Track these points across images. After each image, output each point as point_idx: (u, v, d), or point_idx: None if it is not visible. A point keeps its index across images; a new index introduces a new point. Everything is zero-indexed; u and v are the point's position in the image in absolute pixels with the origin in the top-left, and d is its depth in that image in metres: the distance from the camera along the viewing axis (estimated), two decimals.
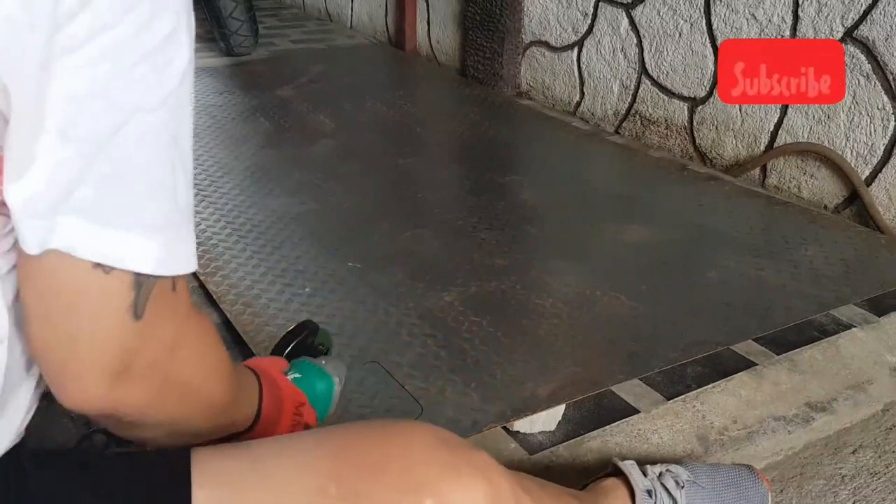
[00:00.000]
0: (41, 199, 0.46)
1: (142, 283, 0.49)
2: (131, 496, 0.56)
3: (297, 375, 0.91)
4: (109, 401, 0.51)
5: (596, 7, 2.28)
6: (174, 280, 0.52)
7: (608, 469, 0.95)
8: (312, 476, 0.58)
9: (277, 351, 0.99)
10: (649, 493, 0.89)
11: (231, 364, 0.64)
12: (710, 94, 2.01)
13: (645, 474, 0.91)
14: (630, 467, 0.91)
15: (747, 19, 1.87)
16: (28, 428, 0.57)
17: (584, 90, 2.39)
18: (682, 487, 0.91)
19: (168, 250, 0.50)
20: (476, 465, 0.61)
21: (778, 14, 1.80)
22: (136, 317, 0.50)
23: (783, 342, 1.27)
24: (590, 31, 2.32)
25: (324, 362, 0.96)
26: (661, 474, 0.92)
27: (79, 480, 0.56)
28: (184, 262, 0.52)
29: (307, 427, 0.85)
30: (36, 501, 0.54)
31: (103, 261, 0.48)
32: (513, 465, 1.01)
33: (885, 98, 1.64)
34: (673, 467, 0.93)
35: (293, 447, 0.62)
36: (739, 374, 1.20)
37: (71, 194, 0.46)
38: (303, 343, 1.01)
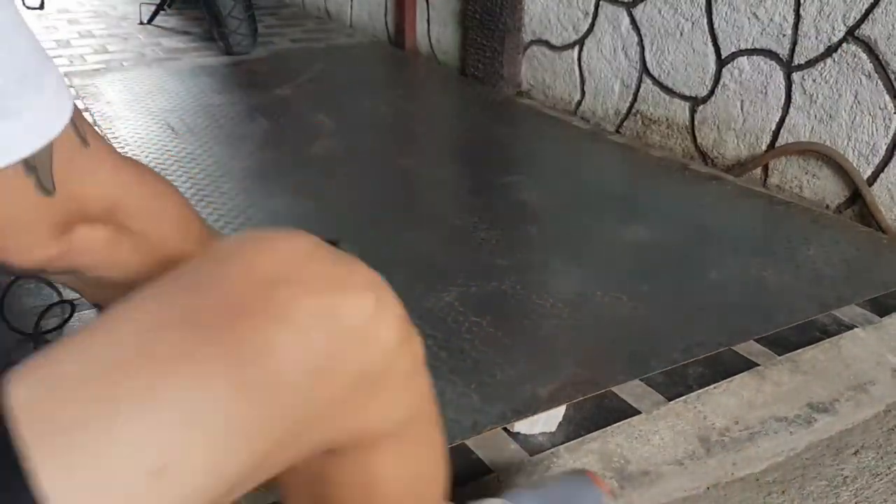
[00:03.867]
0: None
1: (33, 165, 0.44)
2: None
3: None
4: (57, 256, 0.50)
5: (597, 6, 2.27)
6: (74, 135, 0.47)
7: None
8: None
9: None
10: None
11: (196, 222, 0.60)
12: (712, 93, 2.00)
13: None
14: None
15: (749, 18, 1.86)
16: None
17: (585, 89, 2.39)
18: None
19: (34, 116, 0.43)
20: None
21: (779, 13, 1.79)
22: (46, 193, 0.46)
23: (785, 343, 1.27)
24: (590, 29, 2.32)
25: None
26: None
27: None
28: (55, 118, 0.45)
29: None
30: None
31: None
32: (513, 467, 1.00)
33: (887, 97, 1.64)
34: (488, 502, 0.83)
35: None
36: (741, 374, 1.19)
37: None
38: None
